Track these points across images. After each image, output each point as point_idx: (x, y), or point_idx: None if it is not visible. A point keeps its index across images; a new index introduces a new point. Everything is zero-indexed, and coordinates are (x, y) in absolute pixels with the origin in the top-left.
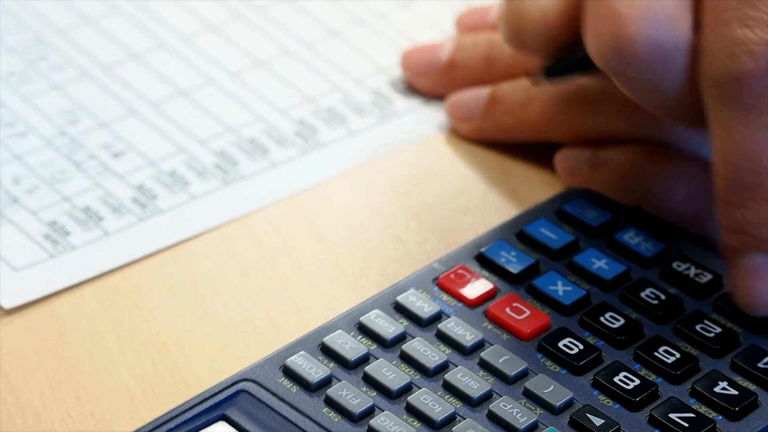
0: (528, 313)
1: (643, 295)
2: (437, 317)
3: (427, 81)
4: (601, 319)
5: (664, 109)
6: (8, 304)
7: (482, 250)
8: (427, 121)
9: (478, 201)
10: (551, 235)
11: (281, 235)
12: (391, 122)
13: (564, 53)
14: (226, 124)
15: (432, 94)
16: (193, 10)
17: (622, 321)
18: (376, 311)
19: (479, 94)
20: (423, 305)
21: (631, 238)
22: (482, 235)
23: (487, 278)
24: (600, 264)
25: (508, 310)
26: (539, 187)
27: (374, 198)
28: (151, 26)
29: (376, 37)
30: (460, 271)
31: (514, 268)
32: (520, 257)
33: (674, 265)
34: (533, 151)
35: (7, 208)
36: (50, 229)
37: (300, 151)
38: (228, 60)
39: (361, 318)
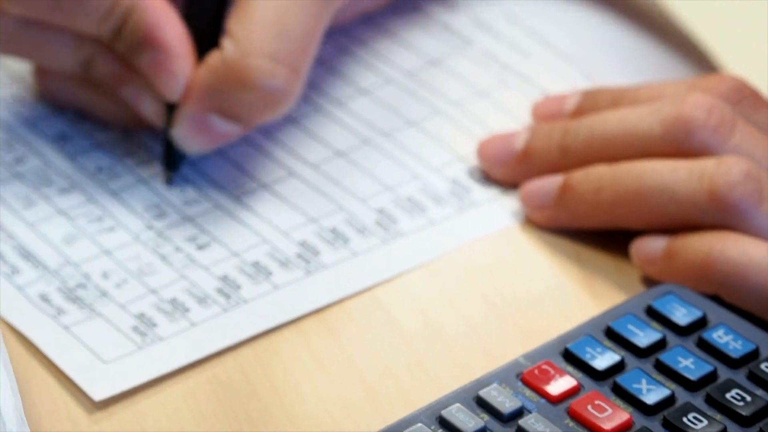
0: (609, 411)
1: (728, 396)
2: (519, 413)
3: (503, 170)
4: (684, 419)
5: None
6: (98, 396)
7: (568, 345)
8: (503, 210)
9: (552, 289)
10: (638, 332)
11: (357, 325)
12: (469, 212)
13: None
14: (308, 214)
15: (508, 183)
16: None
17: (705, 423)
18: (458, 405)
19: (552, 182)
20: (505, 400)
21: (719, 337)
22: (569, 331)
23: (571, 374)
24: (686, 363)
25: (589, 407)
26: (614, 274)
27: (450, 287)
28: None
29: (454, 126)
30: (544, 367)
31: (599, 365)
32: (605, 354)
33: (763, 366)
34: (606, 238)
35: (97, 302)
36: (138, 321)
37: (380, 240)
38: (308, 152)
39: (442, 412)
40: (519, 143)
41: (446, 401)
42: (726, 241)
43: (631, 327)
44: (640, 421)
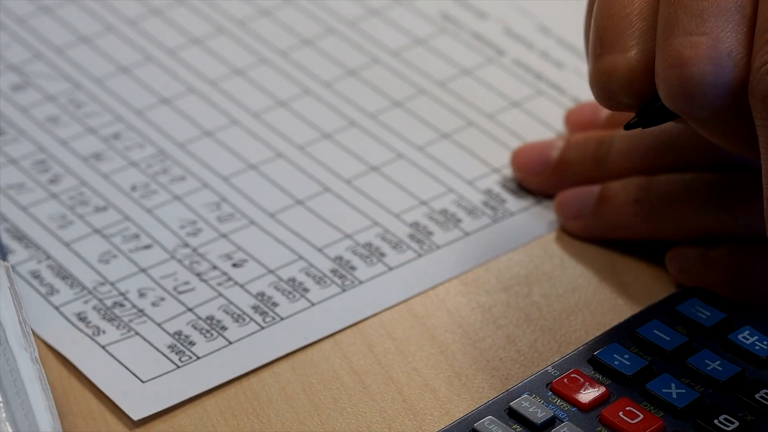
0: (641, 417)
1: (758, 396)
2: (551, 422)
3: (538, 180)
4: (716, 422)
5: (744, 148)
6: (137, 416)
7: (596, 353)
8: (538, 220)
9: (588, 299)
10: (664, 336)
11: (394, 339)
12: (504, 222)
13: (651, 101)
14: (342, 231)
15: (543, 193)
16: (307, 119)
17: (737, 424)
18: (490, 417)
19: (588, 192)
20: (536, 410)
21: (745, 338)
22: (596, 338)
23: (600, 382)
24: (714, 365)
25: (621, 414)
26: (649, 284)
27: (485, 299)
28: (268, 138)
29: (487, 137)
30: (573, 375)
31: (628, 371)
32: (633, 360)
33: None
34: (642, 248)
35: (134, 321)
36: (175, 340)
37: (415, 254)
38: (342, 167)
39: (475, 425)
40: (554, 153)
41: (478, 414)
42: (760, 251)
43: (656, 332)
44: (672, 425)
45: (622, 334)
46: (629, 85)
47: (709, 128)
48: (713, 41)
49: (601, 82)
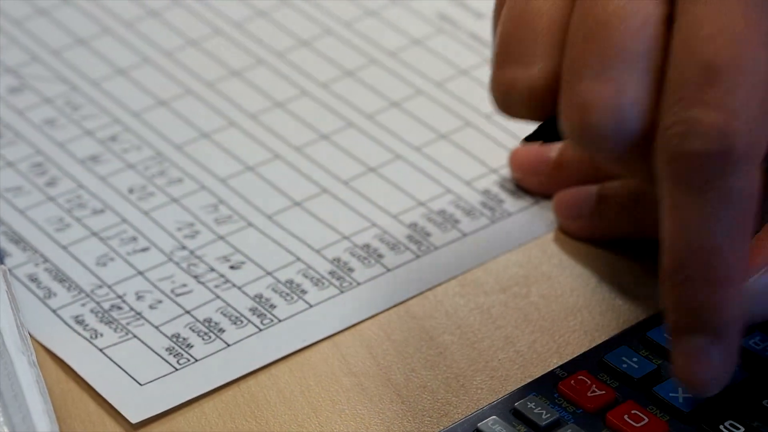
0: (646, 420)
1: (765, 403)
2: (555, 424)
3: (536, 180)
4: (721, 427)
5: (650, 185)
6: (135, 419)
7: (604, 355)
8: (536, 220)
9: (587, 300)
10: None
11: (392, 340)
12: (502, 223)
13: (552, 119)
14: (340, 232)
15: (541, 194)
16: (305, 120)
17: (743, 429)
18: (494, 418)
19: (587, 192)
20: (541, 412)
21: (756, 343)
22: (606, 341)
23: (607, 384)
24: None
25: (626, 417)
26: (648, 284)
27: (484, 299)
28: (265, 139)
29: (485, 137)
30: (580, 377)
31: (635, 374)
32: (641, 363)
33: None
34: (640, 246)
35: (132, 324)
36: (173, 342)
37: (413, 255)
38: (339, 169)
39: (479, 425)
40: (552, 153)
41: (483, 414)
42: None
43: (667, 336)
44: (677, 429)
45: (631, 337)
46: (529, 102)
47: (614, 166)
48: (617, 89)
49: (500, 93)
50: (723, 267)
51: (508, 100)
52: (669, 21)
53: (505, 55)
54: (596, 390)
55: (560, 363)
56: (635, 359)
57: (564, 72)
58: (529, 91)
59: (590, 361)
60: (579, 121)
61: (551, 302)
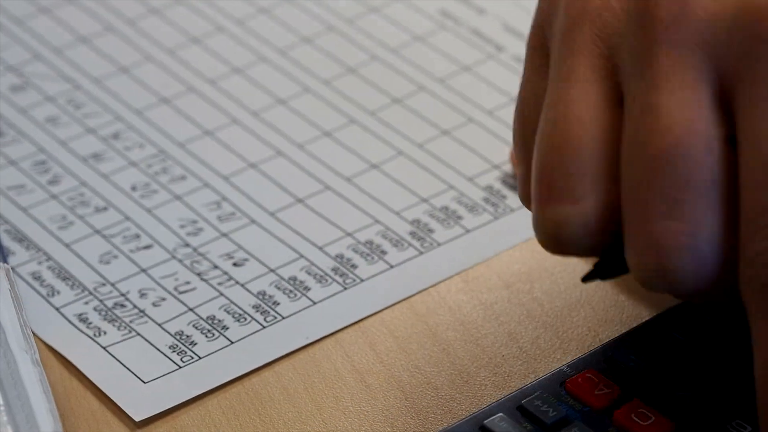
0: (653, 419)
1: None
2: (562, 422)
3: None
4: (728, 426)
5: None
6: (138, 417)
7: (612, 354)
8: None
9: (590, 295)
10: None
11: (396, 337)
12: (505, 219)
13: (608, 253)
14: (343, 229)
15: None
16: (307, 117)
17: (749, 428)
18: (500, 415)
19: None
20: (548, 409)
21: None
22: (614, 339)
23: (615, 382)
24: None
25: (633, 415)
26: None
27: (487, 296)
28: (268, 136)
29: (487, 133)
30: (588, 375)
31: (643, 373)
32: (649, 361)
33: None
34: None
35: (135, 322)
36: (176, 340)
37: (416, 251)
38: (342, 165)
39: (485, 422)
40: None
41: (489, 411)
42: None
43: (676, 334)
44: (684, 428)
45: (640, 336)
46: (583, 240)
47: (688, 299)
48: (691, 227)
49: (549, 232)
50: None
51: (559, 239)
52: (731, 141)
53: (551, 190)
54: (603, 388)
55: (564, 359)
56: (643, 357)
57: (627, 209)
58: (584, 229)
59: (598, 359)
60: (654, 265)
61: (554, 298)
